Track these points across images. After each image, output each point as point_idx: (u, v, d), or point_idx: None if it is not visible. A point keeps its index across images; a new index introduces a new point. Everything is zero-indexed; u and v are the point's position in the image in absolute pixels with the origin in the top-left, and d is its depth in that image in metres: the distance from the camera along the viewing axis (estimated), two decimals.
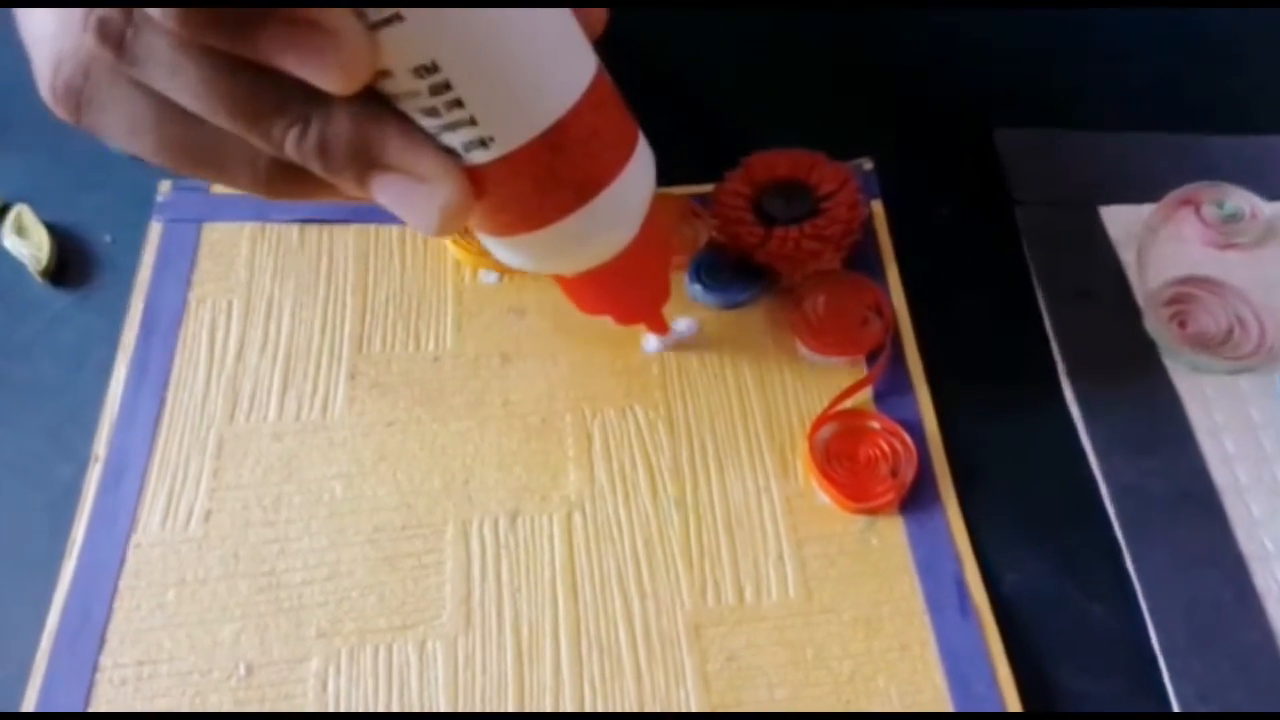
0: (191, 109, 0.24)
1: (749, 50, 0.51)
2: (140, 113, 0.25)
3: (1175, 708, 0.33)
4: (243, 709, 0.31)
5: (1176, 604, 0.35)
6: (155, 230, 0.41)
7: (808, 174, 0.42)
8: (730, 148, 0.43)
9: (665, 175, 0.44)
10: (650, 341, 0.39)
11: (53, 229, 0.41)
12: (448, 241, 0.41)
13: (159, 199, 0.42)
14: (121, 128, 0.26)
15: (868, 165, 0.45)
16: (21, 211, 0.41)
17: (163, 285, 0.40)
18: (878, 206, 0.44)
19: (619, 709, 0.32)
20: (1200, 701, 0.33)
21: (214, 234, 0.41)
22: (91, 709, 0.31)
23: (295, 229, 0.42)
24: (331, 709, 0.31)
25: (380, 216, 0.41)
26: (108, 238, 0.42)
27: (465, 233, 0.41)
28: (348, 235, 0.42)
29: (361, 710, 0.31)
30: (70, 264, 0.41)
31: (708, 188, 0.42)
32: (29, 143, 0.44)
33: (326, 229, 0.42)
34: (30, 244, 0.40)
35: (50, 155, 0.44)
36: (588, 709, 0.32)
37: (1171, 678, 0.33)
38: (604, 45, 0.49)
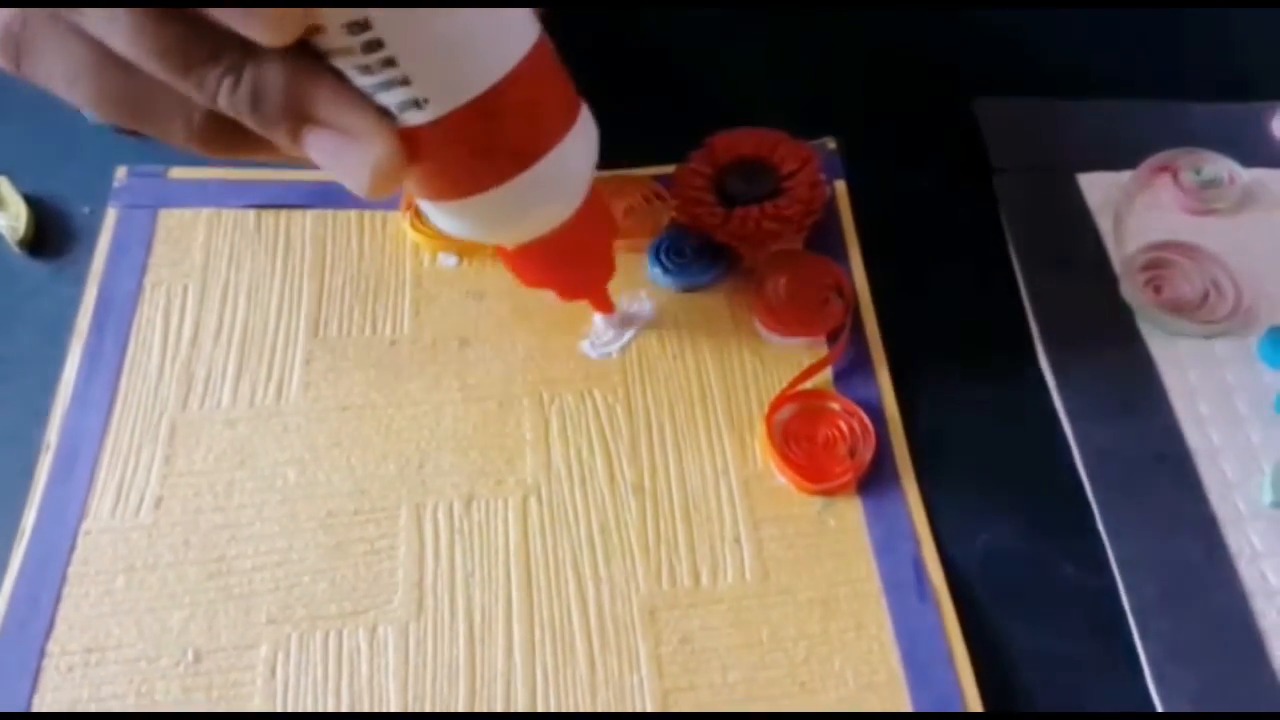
0: (127, 56, 0.24)
1: (719, 28, 0.51)
2: (78, 60, 0.25)
3: (1145, 668, 0.33)
4: (190, 696, 0.31)
5: (1148, 565, 0.35)
6: (111, 216, 0.41)
7: (770, 154, 0.41)
8: (697, 127, 0.43)
9: (627, 156, 0.44)
10: (585, 344, 0.39)
11: (31, 200, 0.41)
12: (406, 225, 0.41)
13: (115, 184, 0.42)
14: (60, 75, 0.26)
15: (831, 145, 0.45)
16: (0, 183, 0.41)
17: (117, 271, 0.39)
18: (841, 186, 0.43)
19: (572, 693, 0.31)
20: (1170, 661, 0.33)
21: (170, 219, 0.41)
22: (38, 695, 0.31)
23: (251, 214, 0.41)
24: (280, 695, 0.31)
25: (338, 201, 0.42)
26: (86, 209, 0.41)
27: (422, 215, 0.41)
28: (305, 220, 0.41)
29: (310, 697, 0.31)
30: (48, 235, 0.41)
31: (670, 168, 0.42)
32: (7, 114, 0.44)
33: (283, 214, 0.41)
34: (8, 215, 0.40)
35: (29, 126, 0.44)
36: (540, 694, 0.31)
37: (1142, 638, 0.33)
38: (568, 26, 0.49)
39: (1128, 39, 0.51)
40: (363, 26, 0.23)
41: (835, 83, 0.48)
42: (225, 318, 0.39)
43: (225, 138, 0.26)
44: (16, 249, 0.40)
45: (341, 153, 0.25)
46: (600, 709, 0.31)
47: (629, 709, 0.31)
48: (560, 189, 0.30)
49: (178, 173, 0.42)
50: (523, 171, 0.28)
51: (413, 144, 0.26)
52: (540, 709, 0.31)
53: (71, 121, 0.44)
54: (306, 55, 0.24)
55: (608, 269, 0.36)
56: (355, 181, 0.25)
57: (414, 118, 0.25)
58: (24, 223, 0.40)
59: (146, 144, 0.43)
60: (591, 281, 0.36)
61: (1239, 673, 0.33)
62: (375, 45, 0.24)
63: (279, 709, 0.31)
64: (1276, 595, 0.34)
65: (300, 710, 0.31)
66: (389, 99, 0.25)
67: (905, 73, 0.49)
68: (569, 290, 0.36)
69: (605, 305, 0.37)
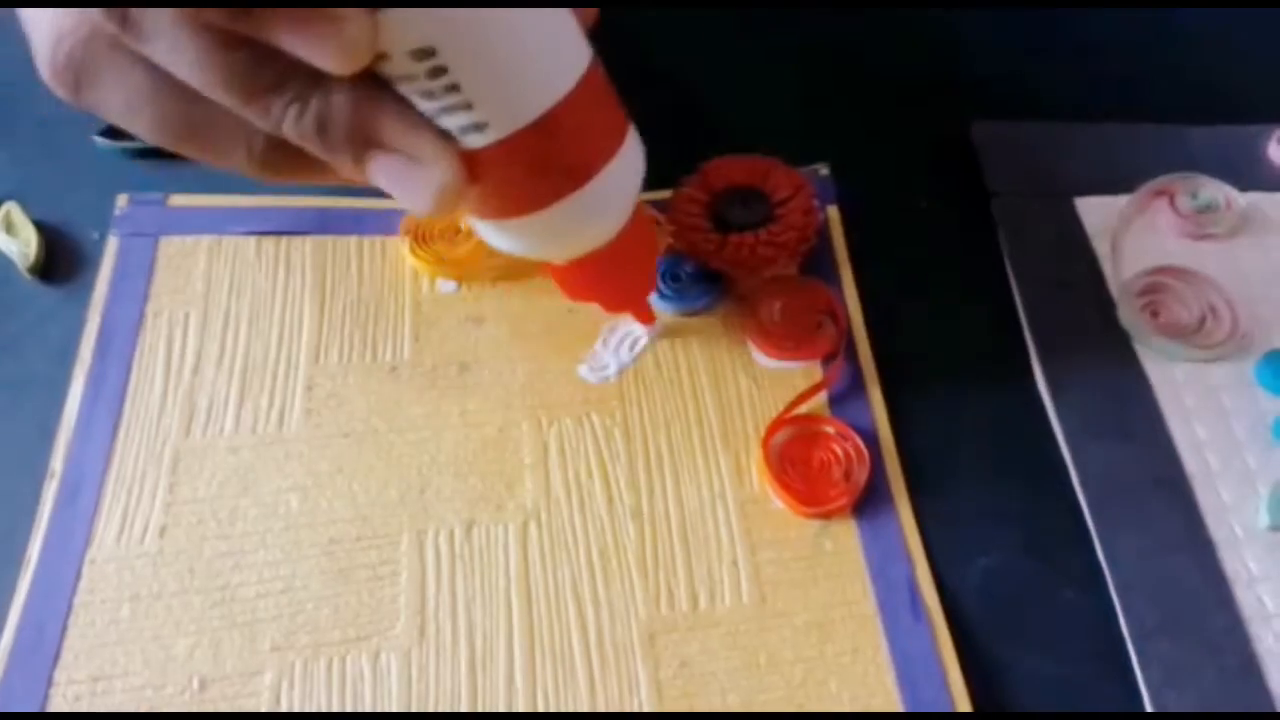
0: (191, 83, 0.24)
1: (714, 54, 0.51)
2: (139, 88, 0.25)
3: (1143, 691, 0.33)
4: None
5: (1145, 588, 0.35)
6: (112, 245, 0.41)
7: (763, 180, 0.42)
8: (691, 154, 0.43)
9: None
10: (583, 369, 0.39)
11: (41, 226, 0.41)
12: (405, 250, 0.41)
13: (116, 213, 0.42)
14: (119, 103, 0.26)
15: (824, 170, 0.45)
16: (10, 209, 0.41)
17: (119, 300, 0.40)
18: (834, 211, 0.44)
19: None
20: (1168, 685, 0.33)
21: (170, 248, 0.41)
22: None
23: (252, 241, 0.42)
24: None
25: (337, 227, 0.42)
26: (95, 235, 0.42)
27: (421, 241, 0.41)
28: (305, 246, 0.42)
29: None
30: (58, 261, 0.41)
31: (665, 194, 0.43)
32: (18, 140, 0.45)
33: (283, 240, 0.42)
34: (18, 241, 0.41)
35: (39, 153, 0.44)
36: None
37: (1140, 661, 0.34)
38: None
39: (1125, 63, 0.52)
40: (428, 54, 0.24)
41: (830, 108, 0.49)
42: (227, 345, 0.39)
43: (286, 163, 0.27)
44: (26, 275, 0.40)
45: (406, 177, 0.25)
46: None
47: None
48: (611, 205, 0.30)
49: (178, 200, 0.43)
50: (577, 189, 0.29)
51: (472, 165, 0.26)
52: None
53: (81, 147, 0.44)
54: (370, 81, 0.24)
55: (650, 281, 0.37)
56: (419, 203, 0.25)
57: (474, 140, 0.26)
58: (34, 249, 0.40)
59: (156, 169, 0.44)
60: (635, 293, 0.37)
61: (1236, 697, 0.33)
62: (439, 71, 0.24)
63: None
64: (1273, 619, 0.35)
65: None
66: (451, 123, 0.25)
67: (900, 96, 0.49)
68: (614, 303, 0.37)
69: (647, 316, 0.38)
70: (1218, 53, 0.53)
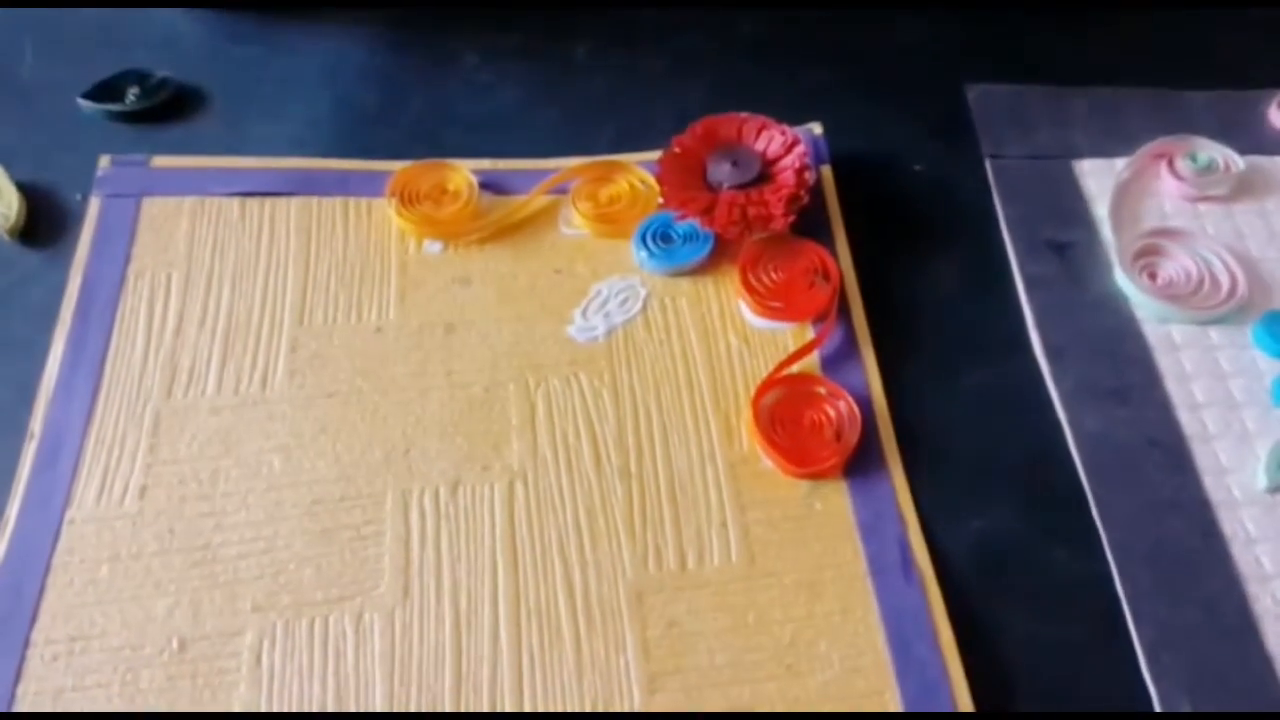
0: None
1: (709, 11, 0.50)
2: None
3: (1139, 653, 0.33)
4: (175, 684, 0.31)
5: (1141, 550, 0.35)
6: (94, 206, 0.41)
7: (755, 139, 0.41)
8: (682, 113, 0.43)
9: (612, 144, 0.44)
10: (571, 329, 0.39)
11: (24, 188, 0.41)
12: (392, 211, 0.41)
13: (98, 174, 0.41)
14: None
15: (817, 129, 0.44)
16: None
17: (101, 260, 0.39)
18: (827, 171, 0.43)
19: (558, 676, 0.31)
20: (1163, 646, 0.33)
21: (153, 208, 0.41)
22: (23, 685, 0.30)
23: (236, 202, 0.41)
24: (266, 683, 0.31)
25: (322, 188, 0.41)
26: (78, 196, 0.41)
27: (408, 202, 0.41)
28: (289, 208, 0.41)
29: (296, 684, 0.31)
30: (41, 222, 0.41)
31: (656, 155, 0.42)
32: (0, 103, 0.44)
33: (268, 202, 0.41)
34: (1, 203, 0.40)
35: (21, 115, 0.44)
36: (526, 678, 0.31)
37: (1135, 622, 0.33)
38: (550, 13, 0.48)
39: (1124, 26, 0.51)
40: None
41: (823, 66, 0.48)
42: (209, 306, 0.39)
43: None
44: (7, 237, 0.40)
45: None
46: (587, 692, 0.31)
47: (616, 692, 0.31)
48: None
49: (161, 161, 0.42)
50: None
51: None
52: (527, 692, 0.31)
53: (64, 109, 0.44)
54: None
55: None
56: None
57: None
58: (16, 210, 0.40)
59: (140, 132, 0.43)
60: None
61: (1233, 658, 0.33)
62: None
63: (265, 696, 0.31)
64: (1270, 580, 0.34)
65: (286, 701, 0.31)
66: None
67: (895, 57, 0.49)
68: None
69: None
70: (1219, 17, 0.52)
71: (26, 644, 0.31)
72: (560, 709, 0.31)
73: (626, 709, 0.31)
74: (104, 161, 0.42)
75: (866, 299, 0.40)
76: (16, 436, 0.35)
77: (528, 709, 0.31)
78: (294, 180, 0.42)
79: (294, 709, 0.30)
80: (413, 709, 0.31)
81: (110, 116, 0.44)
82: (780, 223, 0.40)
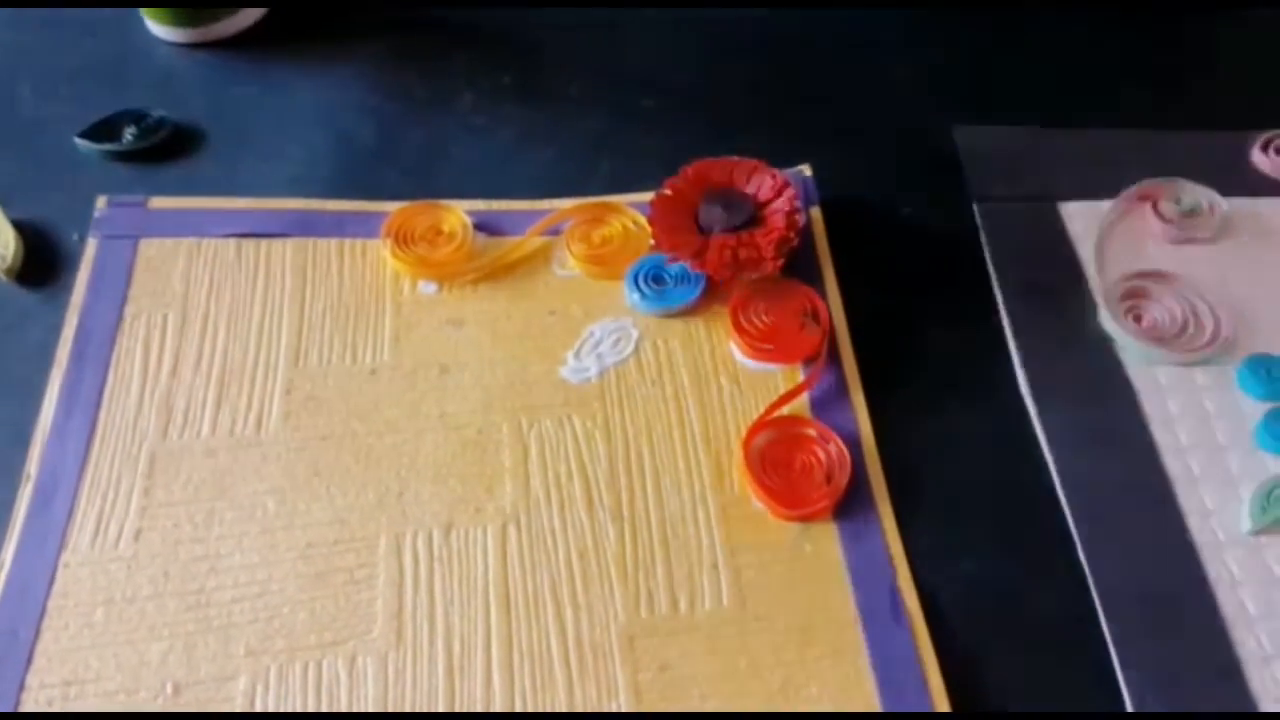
0: None
1: (701, 56, 0.51)
2: None
3: (1125, 695, 0.33)
4: None
5: (1128, 592, 0.35)
6: (91, 246, 0.41)
7: (745, 182, 0.42)
8: (674, 156, 0.43)
9: (605, 184, 0.45)
10: (564, 370, 0.39)
11: (21, 228, 0.41)
12: (387, 253, 0.41)
13: (95, 214, 0.42)
14: None
15: (807, 172, 0.45)
16: None
17: (97, 301, 0.39)
18: (816, 213, 0.44)
19: None
20: (1150, 690, 0.33)
21: (150, 249, 0.41)
22: None
23: (232, 244, 0.41)
24: None
25: (318, 230, 0.42)
26: (75, 235, 0.41)
27: (403, 243, 0.41)
28: (285, 249, 0.42)
29: None
30: (38, 262, 0.41)
31: (648, 196, 0.42)
32: None
33: (264, 243, 0.42)
34: None
35: (19, 154, 0.44)
36: None
37: (1122, 664, 0.33)
38: (544, 53, 0.49)
39: (1109, 68, 0.52)
40: None
41: (813, 108, 0.49)
42: (205, 348, 0.39)
43: None
44: (4, 277, 0.40)
45: None
46: None
47: None
48: None
49: (158, 202, 0.42)
50: None
51: None
52: None
53: (62, 149, 0.44)
54: None
55: None
56: None
57: None
58: (12, 251, 0.40)
59: (137, 172, 0.44)
60: None
61: (1218, 701, 0.33)
62: None
63: None
64: (1255, 623, 0.34)
65: None
66: None
67: (884, 99, 0.49)
68: None
69: None
70: (1206, 59, 0.53)
71: (22, 688, 0.31)
72: None
73: None
74: (101, 202, 0.42)
75: (855, 340, 0.40)
76: (12, 479, 0.35)
77: None
78: (290, 221, 0.42)
79: None
80: None
81: (107, 156, 0.44)
82: (770, 266, 0.41)
